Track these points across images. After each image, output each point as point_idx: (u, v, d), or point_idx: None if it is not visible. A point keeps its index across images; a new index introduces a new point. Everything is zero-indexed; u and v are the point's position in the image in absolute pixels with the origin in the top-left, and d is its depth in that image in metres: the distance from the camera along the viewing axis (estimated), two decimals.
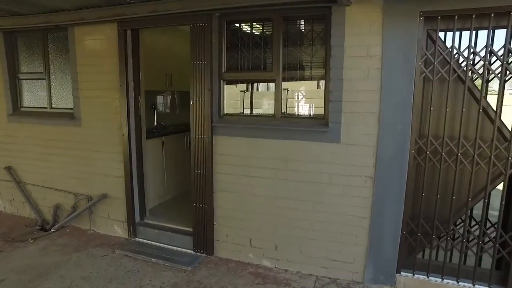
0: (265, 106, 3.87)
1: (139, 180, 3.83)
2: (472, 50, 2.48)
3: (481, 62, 2.50)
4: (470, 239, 2.79)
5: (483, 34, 2.52)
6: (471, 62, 2.53)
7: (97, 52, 3.66)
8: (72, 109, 3.96)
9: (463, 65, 2.55)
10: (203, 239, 3.43)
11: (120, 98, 3.60)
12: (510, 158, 2.50)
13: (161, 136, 4.52)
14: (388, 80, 2.66)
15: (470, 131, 2.60)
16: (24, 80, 4.36)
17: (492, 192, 2.67)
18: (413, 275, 2.87)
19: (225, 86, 3.31)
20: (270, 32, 3.06)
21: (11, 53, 4.28)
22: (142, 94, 3.73)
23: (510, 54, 2.41)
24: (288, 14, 2.95)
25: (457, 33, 2.57)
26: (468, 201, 2.65)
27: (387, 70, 2.65)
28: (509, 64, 2.45)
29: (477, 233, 2.72)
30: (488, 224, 2.82)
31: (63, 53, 4.01)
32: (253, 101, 3.69)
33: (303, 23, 3.09)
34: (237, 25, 3.28)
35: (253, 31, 3.26)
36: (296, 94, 3.25)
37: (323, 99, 2.93)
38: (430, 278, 2.82)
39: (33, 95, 4.35)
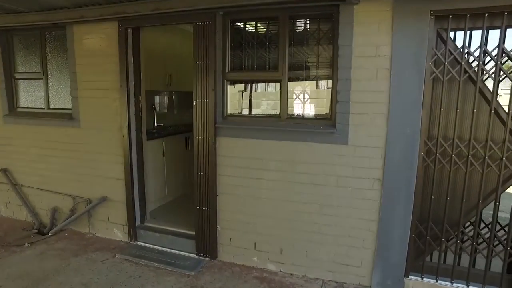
0: (269, 106, 3.81)
1: (140, 182, 3.75)
2: (483, 50, 2.43)
3: (492, 62, 2.46)
4: (479, 242, 2.75)
5: (493, 34, 2.49)
6: (482, 62, 2.49)
7: (96, 51, 3.57)
8: (70, 109, 3.86)
9: (473, 65, 2.51)
10: (206, 243, 3.35)
11: (120, 98, 3.52)
12: None
13: (161, 137, 4.44)
14: (397, 80, 2.61)
15: (480, 132, 2.56)
16: (21, 80, 4.25)
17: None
18: (422, 278, 2.82)
19: (228, 86, 3.24)
20: (275, 31, 3.00)
21: (7, 52, 4.17)
22: (143, 95, 3.65)
23: None
24: (294, 13, 2.89)
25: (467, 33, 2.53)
26: (479, 203, 2.61)
27: (396, 70, 2.60)
28: None
29: (487, 236, 2.67)
30: (498, 227, 2.78)
31: (61, 52, 3.91)
32: (257, 101, 3.63)
33: (309, 22, 3.03)
34: (242, 24, 3.22)
35: (258, 30, 3.20)
36: (302, 94, 3.18)
37: (330, 99, 2.87)
38: (439, 282, 2.77)
39: (30, 95, 4.24)
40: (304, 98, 3.18)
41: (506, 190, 2.61)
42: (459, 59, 2.49)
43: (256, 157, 3.11)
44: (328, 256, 3.01)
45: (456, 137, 2.58)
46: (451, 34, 2.58)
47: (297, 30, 3.05)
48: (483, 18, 2.37)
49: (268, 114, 3.52)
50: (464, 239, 2.77)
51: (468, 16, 2.39)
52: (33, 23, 3.69)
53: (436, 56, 2.54)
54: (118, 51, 3.43)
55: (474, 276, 2.70)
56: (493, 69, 2.45)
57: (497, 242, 2.71)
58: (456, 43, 2.59)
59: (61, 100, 4.04)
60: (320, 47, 2.97)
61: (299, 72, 3.08)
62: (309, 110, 3.25)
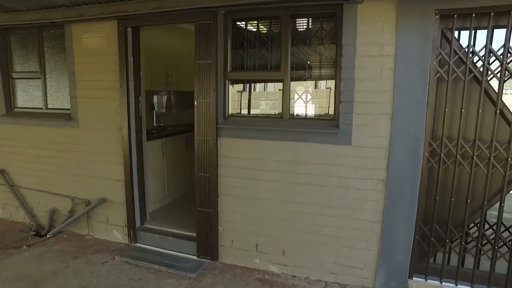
0: (268, 106, 3.77)
1: (140, 183, 3.70)
2: (489, 49, 2.41)
3: (497, 62, 2.44)
4: (484, 243, 2.72)
5: (498, 33, 2.47)
6: (488, 62, 2.47)
7: (96, 51, 3.52)
8: (69, 109, 3.81)
9: (479, 65, 2.49)
10: (207, 244, 3.31)
11: (120, 98, 3.47)
12: None
13: (161, 138, 4.39)
14: (401, 80, 2.58)
15: (485, 133, 2.54)
16: (18, 80, 4.19)
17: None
18: (426, 280, 2.79)
19: (230, 86, 3.20)
20: (277, 31, 2.96)
21: (4, 51, 4.11)
22: (142, 95, 3.60)
23: None
24: (296, 12, 2.86)
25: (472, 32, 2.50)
26: (484, 204, 2.58)
27: (400, 70, 2.57)
28: None
29: (491, 237, 2.65)
30: (502, 228, 2.76)
31: (59, 51, 3.86)
32: (257, 101, 3.59)
33: (312, 21, 3.00)
34: (243, 23, 3.18)
35: (260, 29, 3.16)
36: (304, 94, 3.15)
37: (333, 99, 2.84)
38: (443, 283, 2.74)
39: (27, 95, 4.18)
40: (306, 98, 3.14)
41: (511, 191, 2.59)
42: (464, 58, 2.47)
43: (257, 158, 3.07)
44: (330, 257, 2.97)
45: (460, 137, 2.55)
46: (456, 33, 2.54)
47: (300, 30, 3.02)
48: (489, 17, 2.34)
49: (270, 114, 3.48)
50: (469, 240, 2.75)
51: (473, 15, 2.37)
52: (31, 21, 3.63)
53: (440, 56, 2.52)
54: (118, 50, 3.38)
55: (478, 277, 2.68)
56: (499, 69, 2.42)
57: (502, 243, 2.69)
58: (461, 42, 2.56)
59: (59, 100, 3.98)
60: (323, 46, 2.94)
61: (302, 72, 3.05)
62: (312, 110, 3.21)
